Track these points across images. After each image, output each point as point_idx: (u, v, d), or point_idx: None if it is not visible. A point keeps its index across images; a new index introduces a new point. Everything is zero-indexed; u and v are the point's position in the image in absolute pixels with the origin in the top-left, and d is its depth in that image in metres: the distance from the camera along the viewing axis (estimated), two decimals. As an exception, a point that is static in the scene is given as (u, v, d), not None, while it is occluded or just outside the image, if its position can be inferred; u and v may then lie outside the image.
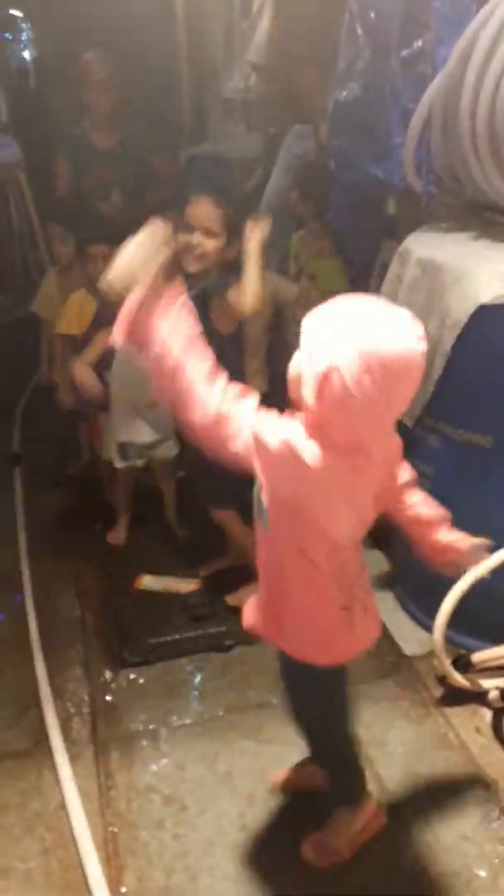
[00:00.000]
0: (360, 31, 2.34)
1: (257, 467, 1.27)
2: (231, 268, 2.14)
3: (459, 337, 1.85)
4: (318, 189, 2.70)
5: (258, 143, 3.90)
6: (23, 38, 7.60)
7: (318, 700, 1.55)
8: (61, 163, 3.39)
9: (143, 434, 2.63)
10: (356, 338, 1.10)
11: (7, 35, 7.28)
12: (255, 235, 2.09)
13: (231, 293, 2.11)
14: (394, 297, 2.10)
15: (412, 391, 1.17)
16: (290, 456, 1.17)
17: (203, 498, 2.42)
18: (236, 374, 2.12)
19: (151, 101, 4.41)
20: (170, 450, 2.67)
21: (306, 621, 1.42)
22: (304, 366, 1.17)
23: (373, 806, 1.69)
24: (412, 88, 2.23)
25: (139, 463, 2.70)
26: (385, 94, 2.30)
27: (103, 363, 2.57)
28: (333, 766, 1.65)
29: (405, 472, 1.50)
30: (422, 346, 1.13)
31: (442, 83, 2.07)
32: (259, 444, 1.21)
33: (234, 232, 2.12)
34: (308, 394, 1.16)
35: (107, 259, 2.87)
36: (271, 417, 1.23)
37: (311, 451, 1.16)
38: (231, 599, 2.40)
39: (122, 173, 3.40)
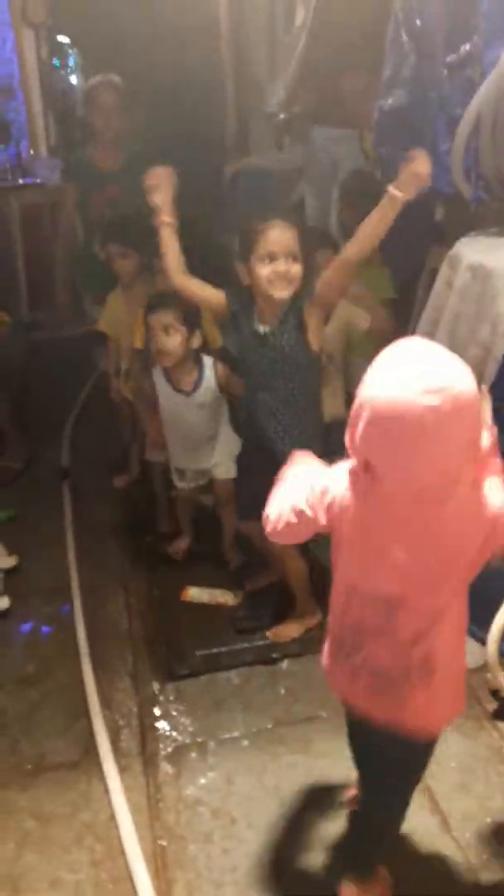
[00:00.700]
0: (405, 38, 2.33)
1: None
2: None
3: (512, 343, 1.81)
4: (366, 198, 2.69)
5: (300, 155, 3.91)
6: (69, 64, 7.82)
7: (421, 769, 1.49)
8: (70, 187, 3.46)
9: (198, 461, 2.60)
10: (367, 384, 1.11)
11: (55, 61, 7.49)
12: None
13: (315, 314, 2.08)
14: (443, 304, 2.07)
15: (401, 442, 1.07)
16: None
17: (245, 513, 2.38)
18: (316, 394, 2.07)
19: (197, 116, 4.49)
20: (229, 471, 2.57)
21: (449, 676, 1.33)
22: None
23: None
24: (459, 94, 2.21)
25: (200, 483, 2.67)
26: (431, 100, 2.29)
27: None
28: (394, 830, 1.54)
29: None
30: (424, 401, 1.03)
31: (491, 87, 2.03)
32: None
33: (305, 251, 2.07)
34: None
35: (122, 258, 2.87)
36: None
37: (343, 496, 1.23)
38: (272, 635, 2.36)
39: (130, 194, 3.44)
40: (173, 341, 2.36)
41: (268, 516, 1.35)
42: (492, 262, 1.91)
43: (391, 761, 1.41)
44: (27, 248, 4.73)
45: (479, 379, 1.90)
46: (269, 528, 1.35)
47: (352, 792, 1.74)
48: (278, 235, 1.98)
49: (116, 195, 3.42)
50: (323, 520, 1.28)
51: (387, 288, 2.75)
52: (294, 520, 1.30)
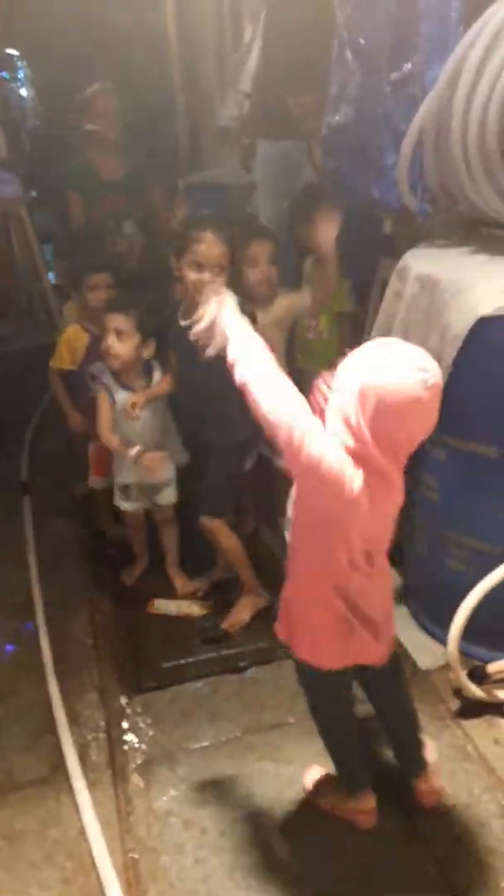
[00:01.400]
0: (350, 56, 2.40)
1: (299, 482, 1.49)
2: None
3: (460, 350, 1.87)
4: (318, 211, 2.74)
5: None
6: (19, 77, 7.77)
7: (313, 696, 1.75)
8: (74, 197, 3.44)
9: (138, 475, 2.57)
10: (363, 373, 1.33)
11: (4, 73, 7.44)
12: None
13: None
14: (393, 315, 2.13)
15: (413, 416, 1.34)
16: (338, 481, 1.36)
17: (201, 508, 2.43)
18: None
19: (149, 131, 4.50)
20: (170, 496, 2.63)
21: (304, 620, 1.60)
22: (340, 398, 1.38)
23: (368, 805, 1.76)
24: (403, 110, 2.28)
25: (143, 505, 2.66)
26: (377, 116, 2.35)
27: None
28: (333, 757, 1.79)
29: None
30: (427, 385, 1.30)
31: (432, 104, 2.11)
32: (314, 467, 1.37)
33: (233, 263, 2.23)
34: (349, 422, 1.36)
35: (109, 288, 2.91)
36: (330, 445, 1.38)
37: (355, 479, 1.37)
38: (227, 626, 2.43)
39: (131, 204, 3.46)
40: (123, 346, 2.38)
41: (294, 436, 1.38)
42: (439, 273, 1.97)
43: (301, 684, 1.75)
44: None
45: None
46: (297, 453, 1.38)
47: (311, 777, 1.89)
48: (207, 249, 2.15)
49: (120, 205, 3.42)
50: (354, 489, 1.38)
51: (350, 301, 2.80)
52: (333, 468, 1.37)
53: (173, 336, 2.33)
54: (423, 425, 1.38)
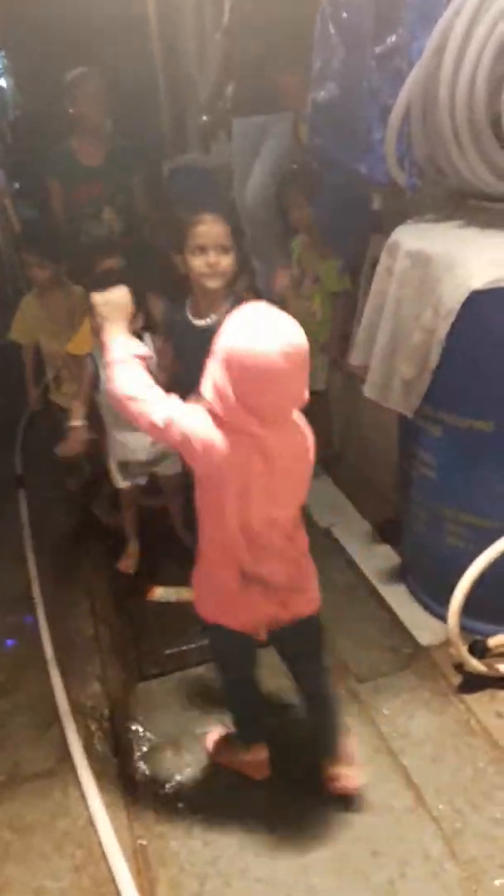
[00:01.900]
0: (332, 31, 2.36)
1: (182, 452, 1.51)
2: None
3: (454, 325, 1.86)
4: (311, 191, 2.72)
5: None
6: (-2, 68, 7.66)
7: (215, 654, 1.87)
8: (55, 185, 3.39)
9: (139, 452, 2.59)
10: (229, 338, 1.38)
11: (-20, 64, 7.32)
12: None
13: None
14: (385, 292, 2.11)
15: (266, 383, 1.36)
16: (199, 444, 1.42)
17: None
18: None
19: (131, 115, 4.44)
20: (174, 466, 2.62)
21: (202, 576, 1.68)
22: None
23: (259, 756, 1.85)
24: (389, 84, 2.24)
25: (141, 481, 2.68)
26: (362, 91, 2.32)
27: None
28: (230, 711, 1.90)
29: None
30: (278, 344, 1.33)
31: (418, 76, 2.08)
32: (183, 437, 1.45)
33: (237, 243, 2.18)
34: (217, 385, 1.40)
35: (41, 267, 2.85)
36: (188, 413, 1.46)
37: (215, 440, 1.42)
38: None
39: (110, 190, 3.42)
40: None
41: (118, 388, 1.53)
42: (430, 248, 1.95)
43: (314, 639, 1.78)
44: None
45: (425, 361, 1.96)
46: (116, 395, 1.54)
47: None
48: (207, 229, 2.09)
49: (99, 192, 3.38)
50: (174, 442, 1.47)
51: (344, 280, 2.78)
52: (138, 411, 1.50)
53: (179, 332, 2.28)
54: (287, 391, 1.40)
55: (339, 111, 2.42)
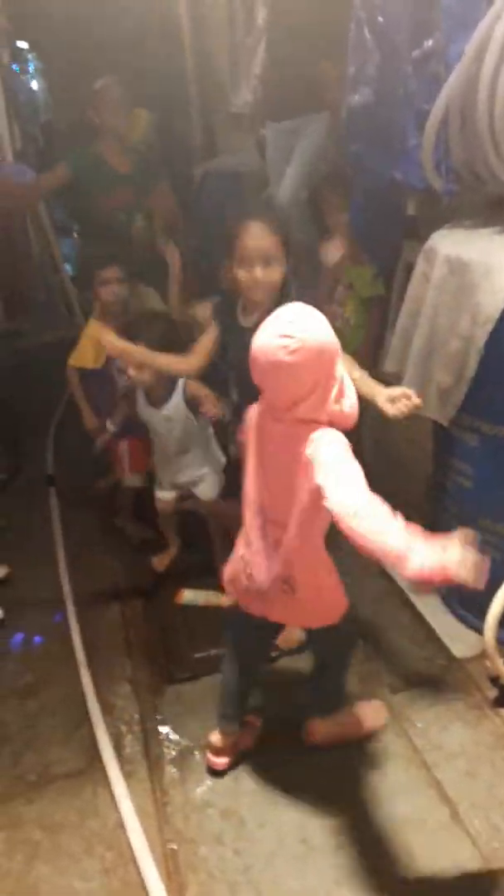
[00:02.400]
0: (368, 36, 2.35)
1: None
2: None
3: (492, 332, 1.84)
4: (346, 195, 2.71)
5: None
6: (30, 70, 7.75)
7: (224, 622, 1.99)
8: (62, 167, 3.37)
9: (172, 475, 2.62)
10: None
11: (15, 66, 7.41)
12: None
13: None
14: (421, 298, 2.09)
15: (263, 367, 1.47)
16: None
17: None
18: None
19: (161, 120, 4.47)
20: (210, 489, 2.60)
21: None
22: None
23: (212, 739, 1.94)
24: (425, 89, 2.23)
25: (173, 496, 2.68)
26: (398, 96, 2.31)
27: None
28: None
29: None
30: (279, 348, 1.42)
31: (457, 80, 2.06)
32: None
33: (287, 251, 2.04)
34: None
35: (120, 283, 2.85)
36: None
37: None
38: (281, 642, 2.29)
39: (140, 197, 3.44)
40: (146, 374, 2.35)
41: None
42: (468, 255, 1.93)
43: (325, 650, 1.92)
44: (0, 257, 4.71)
45: (463, 369, 1.94)
46: None
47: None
48: (251, 241, 1.96)
49: (129, 199, 3.40)
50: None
51: (378, 286, 2.76)
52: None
53: (230, 337, 2.20)
54: (292, 387, 1.47)
55: (375, 116, 2.41)
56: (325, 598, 1.71)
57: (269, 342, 1.44)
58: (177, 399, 2.46)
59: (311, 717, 1.95)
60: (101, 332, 2.31)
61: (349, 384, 1.55)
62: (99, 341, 2.72)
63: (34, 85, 7.74)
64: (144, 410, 2.53)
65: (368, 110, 2.42)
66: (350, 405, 1.54)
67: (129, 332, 2.35)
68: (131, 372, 2.36)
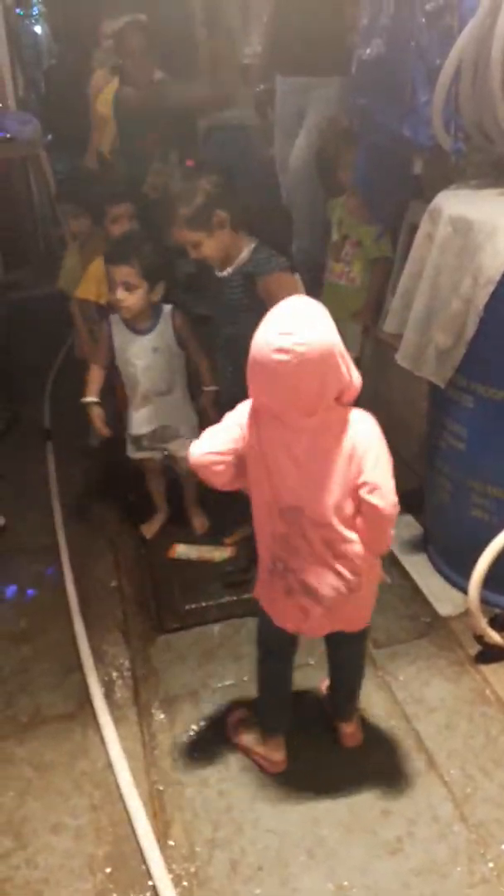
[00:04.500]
0: (383, -14, 2.29)
1: None
2: None
3: (493, 294, 1.83)
4: (352, 153, 2.67)
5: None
6: (33, 13, 7.53)
7: (258, 630, 1.83)
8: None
9: (149, 423, 2.54)
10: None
11: (18, 10, 7.20)
12: None
13: None
14: (424, 258, 2.08)
15: (264, 382, 1.39)
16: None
17: None
18: None
19: (167, 70, 4.36)
20: (187, 446, 2.57)
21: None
22: None
23: (276, 756, 1.83)
24: (438, 43, 2.19)
25: (155, 455, 2.64)
26: (410, 49, 2.26)
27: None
28: (257, 695, 1.88)
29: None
30: (275, 356, 1.32)
31: (471, 35, 2.02)
32: None
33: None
34: None
35: (132, 219, 2.84)
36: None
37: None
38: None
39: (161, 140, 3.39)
40: (133, 297, 2.33)
41: (191, 453, 1.55)
42: (473, 215, 1.91)
43: (350, 653, 1.79)
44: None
45: (462, 330, 1.94)
46: (190, 463, 1.56)
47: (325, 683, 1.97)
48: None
49: (155, 143, 3.35)
50: (238, 449, 1.52)
51: (385, 246, 2.74)
52: (210, 463, 1.52)
53: (208, 282, 2.30)
54: (282, 391, 1.38)
55: (385, 70, 2.36)
56: (374, 594, 1.65)
57: (267, 357, 1.34)
58: (163, 326, 2.43)
59: (343, 720, 1.87)
60: None
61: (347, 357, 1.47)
62: (103, 277, 2.72)
63: (37, 29, 7.53)
64: (125, 339, 2.44)
65: (379, 63, 2.37)
66: (357, 378, 1.47)
67: (116, 254, 2.36)
68: (119, 294, 2.31)
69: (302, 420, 1.43)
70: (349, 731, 1.87)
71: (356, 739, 1.87)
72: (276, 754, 1.83)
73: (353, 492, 1.46)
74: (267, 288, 2.14)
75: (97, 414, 2.52)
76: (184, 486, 2.73)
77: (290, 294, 2.09)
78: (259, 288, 2.16)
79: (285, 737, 1.84)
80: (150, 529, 2.78)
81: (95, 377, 2.52)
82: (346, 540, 1.51)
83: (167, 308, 2.46)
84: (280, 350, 1.31)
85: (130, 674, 2.15)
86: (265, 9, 3.42)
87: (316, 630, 1.64)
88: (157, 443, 2.59)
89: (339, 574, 1.53)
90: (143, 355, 2.45)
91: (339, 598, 1.55)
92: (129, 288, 2.31)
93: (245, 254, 2.21)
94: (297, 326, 1.33)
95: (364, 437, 1.46)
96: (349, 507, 1.48)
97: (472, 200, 2.03)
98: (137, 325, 2.44)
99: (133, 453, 2.65)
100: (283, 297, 2.06)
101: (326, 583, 1.54)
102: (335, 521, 1.48)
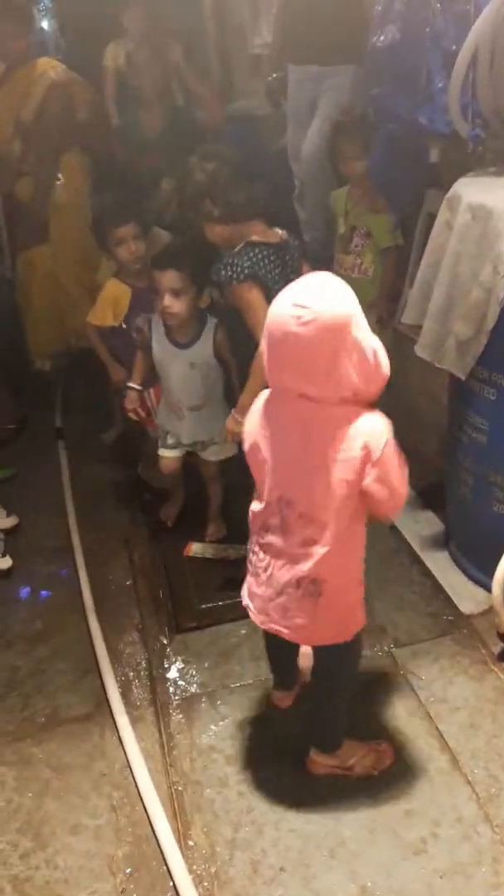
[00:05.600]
0: (396, -29, 2.25)
1: None
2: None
3: (514, 284, 1.79)
4: (367, 142, 2.62)
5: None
6: (41, 8, 7.50)
7: None
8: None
9: (177, 429, 2.53)
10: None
11: (27, 5, 7.17)
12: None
13: None
14: (443, 247, 2.04)
15: (278, 342, 1.36)
16: None
17: None
18: None
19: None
20: (218, 453, 2.54)
21: None
22: None
23: (276, 694, 1.94)
24: (453, 29, 2.14)
25: (178, 454, 2.61)
26: (425, 36, 2.21)
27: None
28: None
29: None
30: (291, 324, 1.31)
31: (488, 20, 1.97)
32: None
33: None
34: None
35: (136, 240, 2.79)
36: None
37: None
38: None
39: (167, 161, 3.35)
40: (180, 303, 2.27)
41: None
42: (492, 202, 1.86)
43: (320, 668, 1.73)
44: (6, 204, 4.60)
45: (483, 320, 1.89)
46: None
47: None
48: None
49: (156, 163, 3.32)
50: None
51: (397, 235, 2.69)
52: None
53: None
54: (299, 361, 1.36)
55: (400, 57, 2.31)
56: (347, 608, 1.58)
57: (283, 311, 1.33)
58: (204, 341, 2.37)
59: (312, 747, 1.80)
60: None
61: (376, 341, 1.40)
62: (117, 300, 2.68)
63: (44, 25, 7.51)
64: (164, 350, 2.40)
65: (394, 50, 2.32)
66: (379, 379, 1.41)
67: (162, 259, 2.31)
68: (166, 301, 2.25)
69: (311, 404, 1.39)
70: (313, 757, 1.78)
71: (316, 769, 1.78)
72: (275, 695, 1.97)
73: (351, 493, 1.42)
74: (232, 296, 2.14)
75: (133, 398, 2.52)
76: (209, 491, 2.69)
77: (247, 308, 2.10)
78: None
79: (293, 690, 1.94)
80: (168, 515, 2.75)
81: (141, 365, 2.53)
82: (323, 542, 1.47)
83: (212, 322, 2.39)
84: (298, 304, 1.31)
85: (147, 674, 2.13)
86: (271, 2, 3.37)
87: (269, 626, 1.61)
88: (187, 447, 2.57)
89: (297, 568, 1.51)
90: (178, 370, 2.41)
91: (294, 597, 1.52)
92: (176, 294, 2.26)
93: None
94: (319, 288, 1.34)
95: (371, 441, 1.39)
96: (342, 507, 1.44)
97: (491, 187, 1.98)
98: (179, 337, 2.39)
99: (161, 448, 2.60)
100: (244, 310, 2.07)
101: (286, 573, 1.53)
102: (323, 519, 1.46)
